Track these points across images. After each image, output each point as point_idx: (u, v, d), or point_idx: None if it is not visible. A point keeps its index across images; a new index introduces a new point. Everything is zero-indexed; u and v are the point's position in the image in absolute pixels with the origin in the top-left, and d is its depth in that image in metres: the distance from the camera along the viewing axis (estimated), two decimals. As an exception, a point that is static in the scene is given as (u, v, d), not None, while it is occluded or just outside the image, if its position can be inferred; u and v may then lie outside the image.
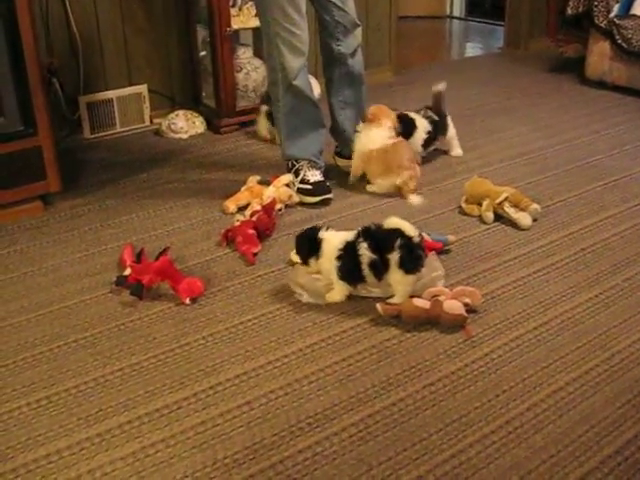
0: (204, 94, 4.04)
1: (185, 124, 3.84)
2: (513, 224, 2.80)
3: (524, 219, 2.78)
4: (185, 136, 3.83)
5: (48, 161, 2.91)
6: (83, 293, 2.42)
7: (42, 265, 2.60)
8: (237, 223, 2.73)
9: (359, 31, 3.08)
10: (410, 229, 2.21)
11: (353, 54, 3.09)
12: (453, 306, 2.19)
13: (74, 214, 2.98)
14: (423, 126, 3.30)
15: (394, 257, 2.19)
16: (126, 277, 2.39)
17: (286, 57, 2.88)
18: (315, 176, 3.04)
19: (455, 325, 2.19)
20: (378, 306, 2.22)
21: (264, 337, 2.18)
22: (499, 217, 2.84)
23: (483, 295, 2.32)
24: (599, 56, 4.50)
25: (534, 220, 2.81)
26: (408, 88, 4.60)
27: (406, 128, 3.23)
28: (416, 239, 2.20)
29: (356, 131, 3.15)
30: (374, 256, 2.21)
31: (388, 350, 2.11)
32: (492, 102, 4.35)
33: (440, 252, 2.58)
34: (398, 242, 2.17)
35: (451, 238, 2.64)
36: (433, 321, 2.20)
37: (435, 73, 5.07)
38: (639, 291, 2.38)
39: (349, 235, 2.28)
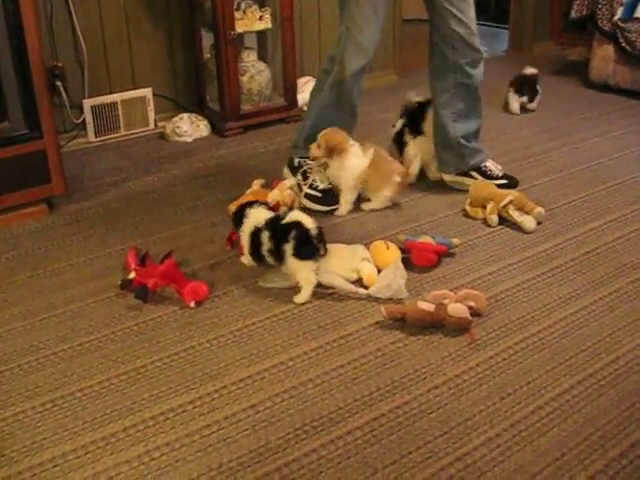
0: (208, 97, 4.04)
1: (189, 127, 3.85)
2: (517, 227, 2.80)
3: (528, 222, 2.78)
4: (189, 139, 3.83)
5: (53, 164, 2.92)
6: (88, 296, 2.42)
7: (47, 268, 2.61)
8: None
9: (477, 43, 2.92)
10: (309, 222, 2.34)
11: (472, 65, 2.94)
12: (457, 309, 2.19)
13: (79, 217, 2.99)
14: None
15: (288, 247, 2.32)
16: (131, 280, 2.39)
17: (348, 53, 2.82)
18: (324, 182, 3.01)
19: (460, 328, 2.19)
20: (382, 309, 2.22)
21: (269, 340, 2.18)
22: (503, 220, 2.84)
23: (487, 298, 2.32)
24: (603, 59, 4.49)
25: (538, 223, 2.81)
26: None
27: None
28: (313, 231, 2.33)
29: (472, 143, 3.10)
30: (271, 245, 2.36)
31: (393, 353, 2.11)
32: (495, 105, 4.34)
33: (445, 255, 2.59)
34: (293, 234, 2.32)
35: (455, 241, 2.64)
36: (438, 324, 2.20)
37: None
38: (644, 294, 2.38)
39: (263, 218, 2.42)
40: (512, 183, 3.10)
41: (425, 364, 2.06)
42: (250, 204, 2.51)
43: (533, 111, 4.23)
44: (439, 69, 3.00)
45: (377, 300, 2.35)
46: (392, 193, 2.95)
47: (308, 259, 2.34)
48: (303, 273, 2.36)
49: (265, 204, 2.56)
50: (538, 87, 4.23)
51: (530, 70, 4.23)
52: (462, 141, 3.07)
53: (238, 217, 2.48)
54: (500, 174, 3.13)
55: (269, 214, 2.46)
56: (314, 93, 3.05)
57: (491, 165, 3.15)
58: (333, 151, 2.87)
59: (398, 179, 2.93)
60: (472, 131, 3.09)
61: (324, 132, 2.88)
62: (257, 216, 2.44)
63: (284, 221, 2.37)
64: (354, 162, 2.89)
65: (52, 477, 1.70)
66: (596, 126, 3.96)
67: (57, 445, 1.79)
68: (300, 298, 2.36)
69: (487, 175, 3.11)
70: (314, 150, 2.90)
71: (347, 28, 2.81)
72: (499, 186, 3.00)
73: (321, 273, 2.40)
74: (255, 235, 2.41)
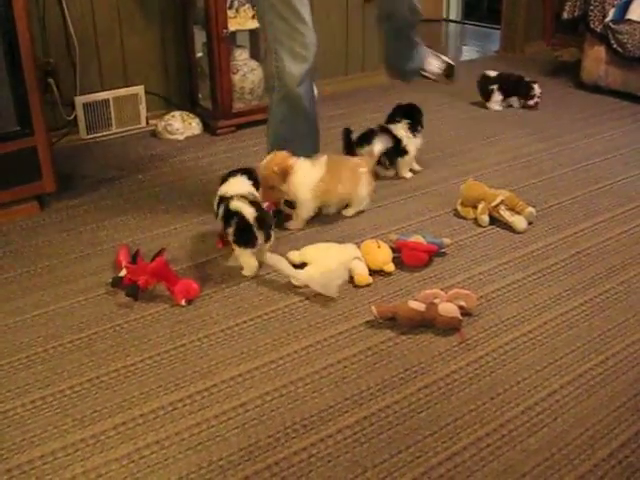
0: (200, 96, 4.04)
1: (181, 125, 3.84)
2: (508, 227, 2.81)
3: (519, 222, 2.79)
4: (181, 137, 3.83)
5: (44, 161, 2.91)
6: (78, 294, 2.42)
7: (37, 266, 2.60)
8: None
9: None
10: (248, 212, 2.43)
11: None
12: (448, 309, 2.19)
13: (70, 215, 2.98)
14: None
15: (230, 231, 2.46)
16: (122, 278, 2.38)
17: (285, 63, 2.74)
18: None
19: (450, 328, 2.19)
20: (373, 308, 2.22)
21: (259, 339, 2.18)
22: (494, 220, 2.84)
23: (478, 298, 2.32)
24: (594, 60, 4.51)
25: (529, 223, 2.82)
26: (404, 91, 4.60)
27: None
28: (252, 220, 2.42)
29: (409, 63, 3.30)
30: (222, 224, 2.51)
31: (383, 352, 2.11)
32: (485, 105, 4.35)
33: (436, 255, 2.59)
34: (234, 220, 2.43)
35: (446, 241, 2.64)
36: (428, 324, 2.20)
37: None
38: (634, 294, 2.39)
39: (231, 191, 2.53)
40: (448, 72, 3.34)
41: (415, 363, 2.06)
42: (235, 172, 2.65)
43: (518, 107, 4.36)
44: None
45: (368, 299, 2.35)
46: (367, 188, 2.91)
47: (245, 246, 2.46)
48: (243, 257, 2.50)
49: (250, 173, 2.64)
50: (491, 87, 4.31)
51: (488, 73, 4.39)
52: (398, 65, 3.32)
53: (222, 180, 2.64)
54: (440, 70, 3.35)
55: (244, 187, 2.56)
56: (269, 113, 2.99)
57: (429, 67, 3.36)
58: (285, 173, 2.74)
59: (364, 170, 2.89)
60: (405, 55, 3.28)
61: (262, 166, 2.77)
62: (230, 185, 2.57)
63: (231, 207, 2.45)
64: (303, 176, 2.77)
65: (41, 475, 1.70)
66: (587, 127, 3.98)
67: (46, 443, 1.79)
68: (245, 272, 2.52)
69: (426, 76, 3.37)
70: (264, 195, 2.72)
71: (274, 39, 2.75)
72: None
73: (268, 255, 2.44)
74: (218, 203, 2.55)
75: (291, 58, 2.75)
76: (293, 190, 2.79)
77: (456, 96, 4.41)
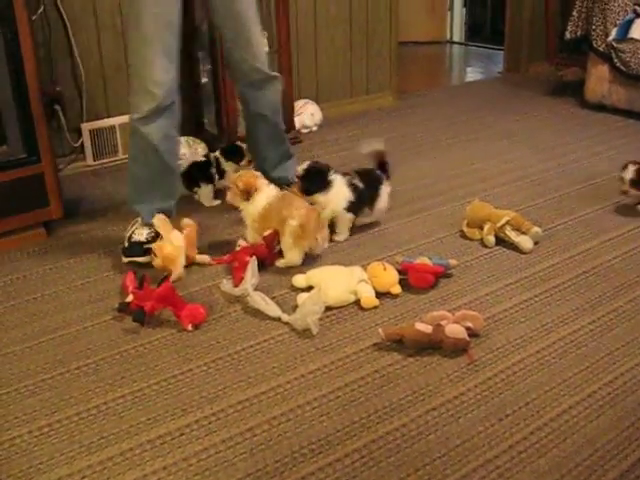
0: (206, 121, 4.06)
1: (187, 151, 3.84)
2: (514, 247, 2.80)
3: (525, 242, 2.79)
4: (187, 163, 3.83)
5: (51, 188, 2.93)
6: (85, 320, 2.42)
7: (44, 292, 2.60)
8: (237, 249, 2.73)
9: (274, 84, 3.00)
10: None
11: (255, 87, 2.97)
12: (455, 330, 2.18)
13: (76, 241, 2.99)
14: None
15: None
16: (128, 304, 2.39)
17: (136, 97, 2.65)
18: (141, 235, 2.78)
19: (457, 349, 2.18)
20: (380, 331, 2.22)
21: (266, 363, 2.17)
22: (500, 241, 2.84)
23: (485, 319, 2.31)
24: (598, 79, 4.52)
25: (535, 243, 2.82)
26: (409, 113, 4.63)
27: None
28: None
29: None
30: None
31: (390, 375, 2.10)
32: (492, 126, 4.37)
33: (442, 276, 2.59)
34: None
35: (452, 262, 2.64)
36: (435, 346, 2.19)
37: (436, 98, 5.11)
38: (641, 313, 2.38)
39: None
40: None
41: (423, 386, 2.05)
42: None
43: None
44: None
45: (375, 322, 2.35)
46: (290, 241, 2.65)
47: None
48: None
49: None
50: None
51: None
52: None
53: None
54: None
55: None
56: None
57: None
58: (248, 193, 2.72)
59: (294, 223, 2.61)
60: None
61: (236, 177, 2.78)
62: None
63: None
64: (256, 201, 2.72)
65: (49, 502, 1.69)
66: (592, 146, 3.98)
67: (53, 470, 1.78)
68: None
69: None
70: (229, 197, 2.79)
71: (133, 73, 2.66)
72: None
73: (252, 295, 2.41)
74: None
75: (141, 89, 2.63)
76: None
77: (460, 115, 4.43)
